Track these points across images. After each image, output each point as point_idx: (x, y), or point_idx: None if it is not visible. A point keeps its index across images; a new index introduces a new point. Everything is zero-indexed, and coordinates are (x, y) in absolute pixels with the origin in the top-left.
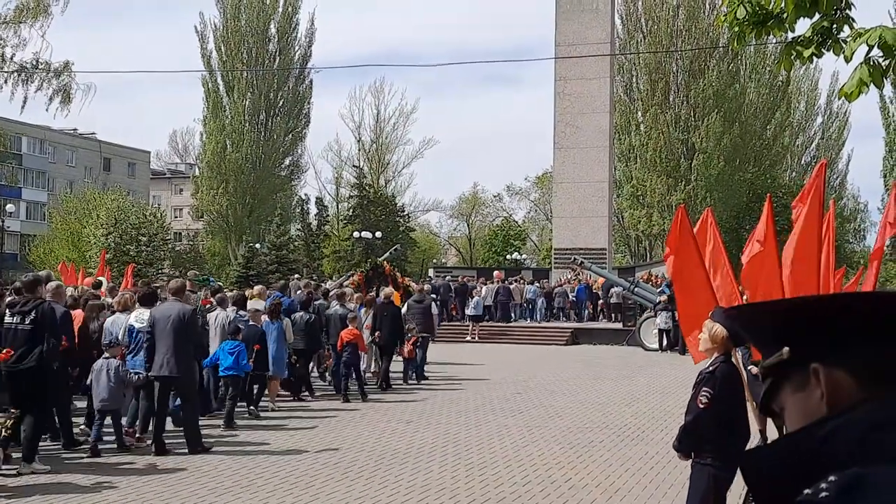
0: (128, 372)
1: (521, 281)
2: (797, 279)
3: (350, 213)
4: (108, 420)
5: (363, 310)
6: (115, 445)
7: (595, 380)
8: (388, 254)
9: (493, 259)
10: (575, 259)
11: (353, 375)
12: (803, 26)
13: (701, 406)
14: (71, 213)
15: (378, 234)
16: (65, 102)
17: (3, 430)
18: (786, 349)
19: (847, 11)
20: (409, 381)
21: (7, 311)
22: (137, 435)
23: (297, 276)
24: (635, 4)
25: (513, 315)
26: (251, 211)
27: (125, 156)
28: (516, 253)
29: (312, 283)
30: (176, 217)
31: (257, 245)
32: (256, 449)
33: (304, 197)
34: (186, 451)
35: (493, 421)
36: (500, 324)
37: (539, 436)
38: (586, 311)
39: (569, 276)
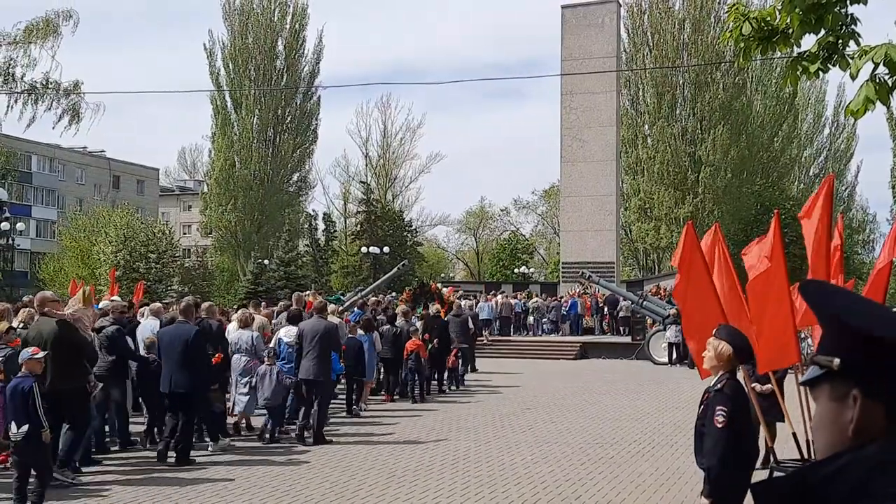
0: (284, 376)
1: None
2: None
3: (358, 229)
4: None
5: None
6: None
7: (604, 395)
8: (395, 270)
9: (501, 273)
10: (583, 273)
11: (417, 380)
12: (809, 42)
13: (718, 426)
14: (80, 231)
15: (386, 249)
16: (74, 122)
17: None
18: (836, 361)
19: (853, 27)
20: (451, 388)
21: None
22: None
23: (307, 292)
24: (641, 18)
25: (511, 329)
26: (259, 227)
27: (134, 173)
28: (524, 267)
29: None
30: (185, 234)
31: (266, 261)
32: (373, 440)
33: (312, 213)
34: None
35: (503, 437)
36: (509, 338)
37: (549, 452)
38: (581, 325)
39: (577, 290)
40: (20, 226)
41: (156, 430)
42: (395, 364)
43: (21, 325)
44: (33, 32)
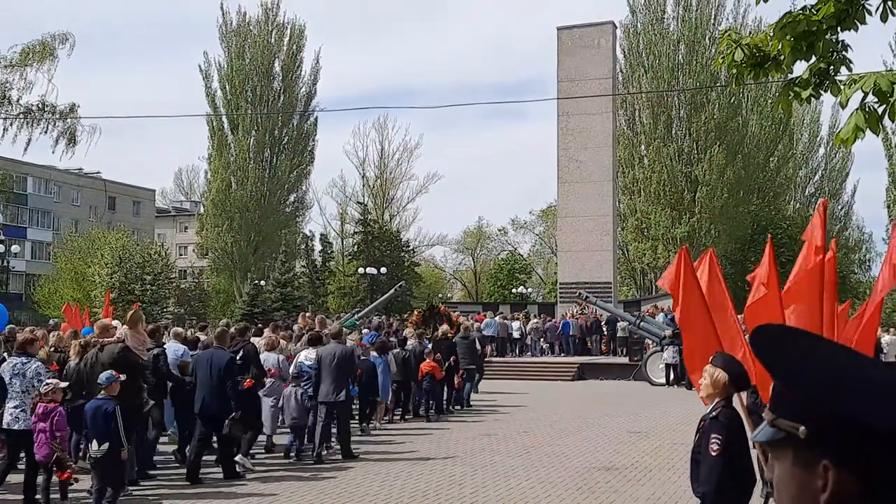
0: (308, 397)
1: (517, 318)
2: (798, 324)
3: (355, 249)
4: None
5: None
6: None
7: (601, 416)
8: (392, 291)
9: (499, 293)
10: (580, 293)
11: (432, 400)
12: (801, 68)
13: (714, 454)
14: (76, 253)
15: (383, 269)
16: (70, 145)
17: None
18: (802, 429)
19: (843, 53)
20: (455, 408)
21: None
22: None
23: (307, 313)
24: (636, 39)
25: (507, 350)
26: (256, 248)
27: (130, 194)
28: (522, 287)
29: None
30: (181, 255)
31: (262, 282)
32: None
33: (308, 233)
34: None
35: (499, 462)
36: (506, 358)
37: (545, 476)
38: (573, 345)
39: (574, 311)
40: (15, 248)
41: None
42: (405, 386)
43: (77, 347)
44: (29, 55)
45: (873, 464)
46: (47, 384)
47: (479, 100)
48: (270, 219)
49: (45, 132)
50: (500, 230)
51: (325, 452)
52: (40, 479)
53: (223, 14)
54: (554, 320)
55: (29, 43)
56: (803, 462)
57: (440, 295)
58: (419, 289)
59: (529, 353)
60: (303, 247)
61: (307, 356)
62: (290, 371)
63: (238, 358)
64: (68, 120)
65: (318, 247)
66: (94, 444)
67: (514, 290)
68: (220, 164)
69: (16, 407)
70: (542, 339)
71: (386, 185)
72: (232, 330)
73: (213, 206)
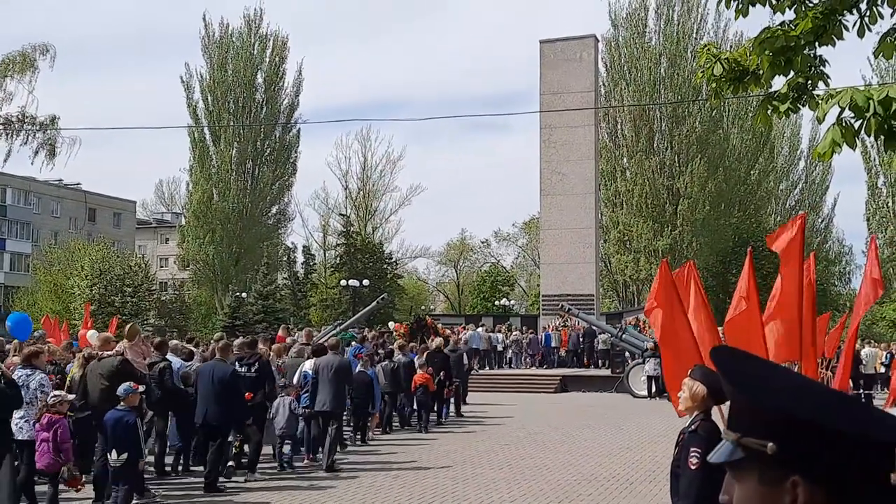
0: (298, 407)
1: (502, 330)
2: (779, 337)
3: (337, 261)
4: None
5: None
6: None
7: (584, 429)
8: (375, 303)
9: (482, 305)
10: (562, 306)
11: (424, 411)
12: (780, 82)
13: (693, 468)
14: (55, 265)
15: (365, 281)
16: (50, 156)
17: (234, 448)
18: (771, 445)
19: (821, 68)
20: (443, 420)
21: (237, 362)
22: (311, 456)
23: (289, 326)
24: (618, 53)
25: (486, 362)
26: (237, 260)
27: (110, 206)
28: (505, 299)
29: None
30: (162, 267)
31: (244, 294)
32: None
33: (290, 245)
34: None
35: (481, 475)
36: (489, 371)
37: (527, 489)
38: (557, 357)
39: (557, 323)
40: None
41: (182, 456)
42: (393, 398)
43: (81, 360)
44: (10, 67)
45: (840, 474)
46: (55, 395)
47: (463, 112)
48: (252, 230)
49: (25, 143)
50: (483, 242)
51: (310, 458)
52: (45, 487)
53: (206, 25)
54: (534, 332)
55: (9, 54)
56: (770, 480)
57: (423, 307)
58: (402, 301)
59: (511, 366)
60: (285, 259)
61: (311, 367)
62: (295, 380)
63: (253, 371)
64: (48, 131)
65: (300, 259)
66: (114, 454)
67: (496, 303)
68: (202, 176)
69: (20, 417)
70: (524, 352)
71: (369, 196)
72: (238, 342)
73: (195, 218)
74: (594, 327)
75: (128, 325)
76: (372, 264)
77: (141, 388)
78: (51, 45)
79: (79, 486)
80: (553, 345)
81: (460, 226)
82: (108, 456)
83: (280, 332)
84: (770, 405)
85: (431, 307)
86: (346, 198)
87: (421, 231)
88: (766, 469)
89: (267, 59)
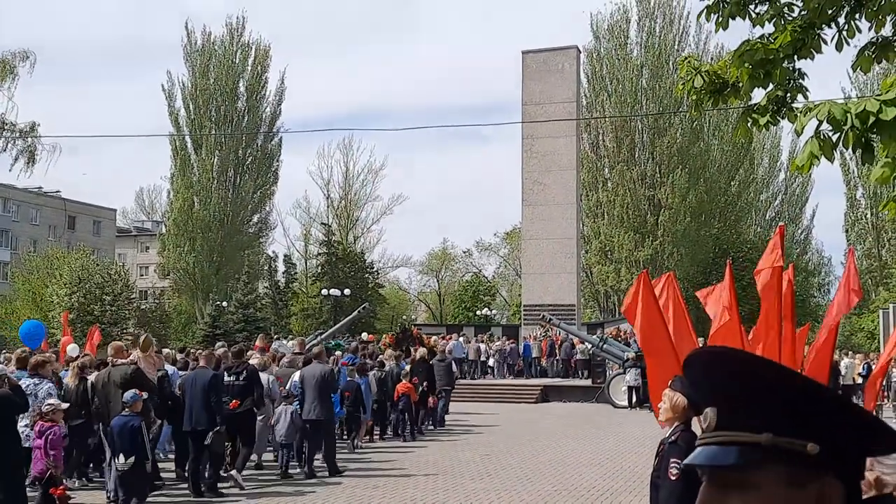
0: (297, 416)
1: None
2: (762, 349)
3: (318, 271)
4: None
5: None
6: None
7: (564, 439)
8: (356, 312)
9: (464, 315)
10: (543, 316)
11: (408, 420)
12: (759, 95)
13: (672, 478)
14: (34, 273)
15: (347, 291)
16: (30, 164)
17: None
18: (812, 445)
19: (800, 81)
20: (428, 428)
21: (225, 372)
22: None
23: (276, 335)
24: (600, 64)
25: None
26: (218, 269)
27: (90, 214)
28: (486, 309)
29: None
30: (142, 275)
31: (224, 303)
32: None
33: (272, 254)
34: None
35: (461, 485)
36: (470, 381)
37: (507, 500)
38: (536, 367)
39: (538, 333)
40: None
41: (176, 462)
42: (383, 406)
43: (76, 369)
44: None
45: (858, 471)
46: (49, 404)
47: (445, 122)
48: (233, 239)
49: (4, 150)
50: (464, 252)
51: (305, 468)
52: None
53: (188, 33)
54: (513, 342)
55: None
56: (801, 482)
57: (404, 317)
58: (383, 310)
59: (491, 376)
60: (266, 268)
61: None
62: (287, 389)
63: (241, 378)
64: (28, 139)
65: (281, 268)
66: (122, 458)
67: (478, 313)
68: (183, 184)
69: (26, 426)
70: (504, 362)
71: (350, 206)
72: (220, 351)
73: (175, 226)
74: (575, 337)
75: (142, 337)
76: (353, 274)
77: (145, 395)
78: (31, 51)
79: (66, 494)
80: (535, 355)
81: (442, 235)
82: (115, 460)
83: (258, 342)
84: (818, 405)
85: (413, 317)
86: (327, 207)
87: (403, 241)
88: (797, 470)
89: (249, 68)
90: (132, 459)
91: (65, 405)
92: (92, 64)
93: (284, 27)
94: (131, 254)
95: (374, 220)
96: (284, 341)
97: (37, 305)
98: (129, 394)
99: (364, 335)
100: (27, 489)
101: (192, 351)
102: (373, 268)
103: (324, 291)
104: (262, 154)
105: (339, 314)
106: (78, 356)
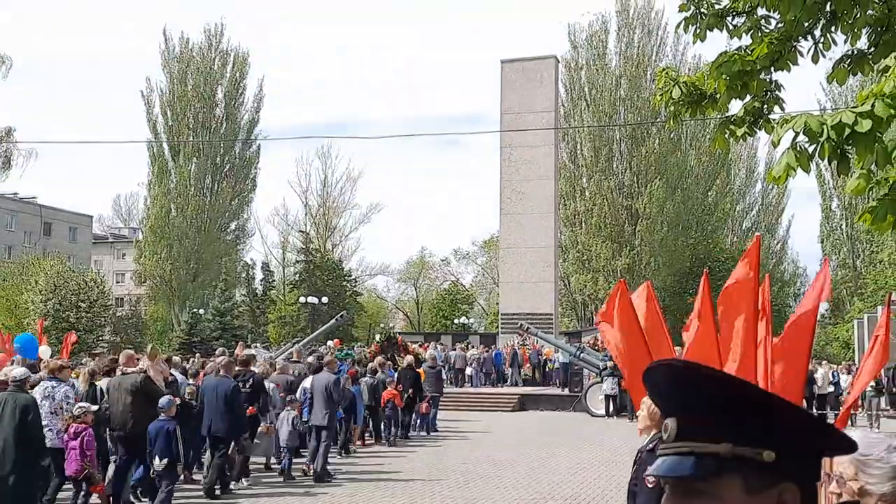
0: (299, 421)
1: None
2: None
3: (296, 278)
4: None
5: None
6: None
7: (541, 448)
8: (334, 320)
9: (441, 323)
10: (521, 325)
11: (393, 425)
12: (737, 106)
13: (650, 486)
14: (8, 279)
15: (324, 299)
16: (5, 169)
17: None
18: (769, 453)
19: (777, 93)
20: (421, 434)
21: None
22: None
23: (255, 344)
24: (578, 74)
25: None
26: (195, 276)
27: (66, 220)
28: (464, 317)
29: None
30: (118, 282)
31: (201, 311)
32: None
33: (249, 262)
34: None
35: (439, 493)
36: (448, 389)
37: None
38: (511, 376)
39: (515, 342)
40: None
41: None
42: (374, 412)
43: (86, 376)
44: None
45: (815, 475)
46: (80, 407)
47: (424, 130)
48: (211, 246)
49: None
50: (442, 260)
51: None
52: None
53: (166, 40)
54: (488, 351)
55: None
56: (758, 488)
57: (381, 325)
58: (361, 318)
59: (469, 385)
60: (243, 275)
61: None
62: (297, 395)
63: (248, 386)
64: (4, 143)
65: (259, 275)
66: (157, 460)
67: (456, 321)
68: (160, 191)
69: (45, 427)
70: (482, 370)
71: (328, 213)
72: (222, 360)
73: (152, 233)
74: (552, 346)
75: (149, 346)
76: (331, 281)
77: (178, 401)
78: (7, 56)
79: (100, 490)
80: (509, 364)
81: (420, 244)
82: (152, 462)
83: (237, 350)
84: (772, 407)
85: (391, 325)
86: (305, 214)
87: (380, 249)
88: (754, 476)
89: (227, 75)
90: (166, 461)
91: (94, 407)
92: (70, 70)
93: (263, 34)
94: (108, 260)
95: (352, 227)
96: (260, 347)
97: (11, 312)
98: (163, 400)
99: (330, 343)
100: (61, 488)
101: (201, 359)
102: (351, 276)
103: (301, 299)
104: (241, 161)
105: (317, 322)
106: (52, 358)
